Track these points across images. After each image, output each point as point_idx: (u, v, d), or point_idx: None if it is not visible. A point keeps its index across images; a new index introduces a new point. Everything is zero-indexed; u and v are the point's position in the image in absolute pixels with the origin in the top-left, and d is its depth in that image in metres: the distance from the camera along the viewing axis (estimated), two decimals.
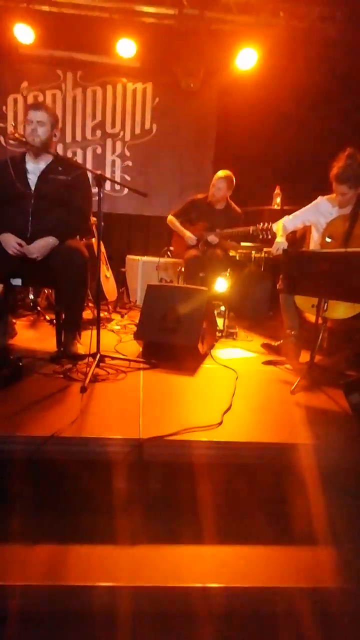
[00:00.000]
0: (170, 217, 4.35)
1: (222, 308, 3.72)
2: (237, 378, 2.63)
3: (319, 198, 3.18)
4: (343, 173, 2.84)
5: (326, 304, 2.64)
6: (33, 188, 2.79)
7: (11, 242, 2.63)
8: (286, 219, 3.28)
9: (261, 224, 3.74)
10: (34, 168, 2.83)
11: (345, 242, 2.84)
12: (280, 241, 3.20)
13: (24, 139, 2.68)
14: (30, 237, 2.72)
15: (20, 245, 2.63)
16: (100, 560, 1.50)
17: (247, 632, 1.43)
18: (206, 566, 1.51)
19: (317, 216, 3.13)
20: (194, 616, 1.42)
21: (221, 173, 4.07)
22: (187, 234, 4.17)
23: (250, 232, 3.82)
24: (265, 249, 4.02)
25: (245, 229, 3.87)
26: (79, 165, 3.24)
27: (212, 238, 4.01)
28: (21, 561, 1.48)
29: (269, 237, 3.73)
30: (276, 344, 3.10)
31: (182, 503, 1.77)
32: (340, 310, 2.69)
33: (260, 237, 3.77)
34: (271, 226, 3.69)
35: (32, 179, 2.80)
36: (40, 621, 1.39)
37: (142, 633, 1.38)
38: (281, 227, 3.26)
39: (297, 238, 3.75)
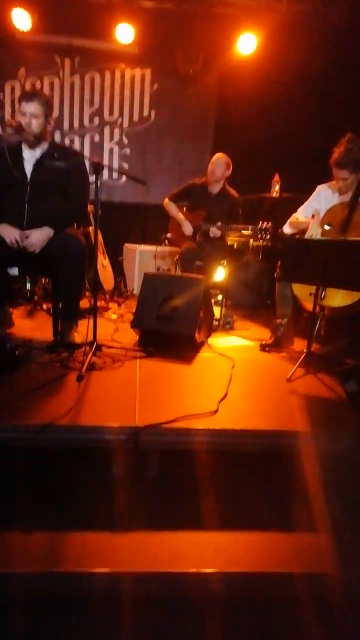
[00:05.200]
0: (166, 201, 4.29)
1: (220, 297, 3.71)
2: (233, 366, 2.63)
3: (319, 187, 3.16)
4: (344, 158, 2.82)
5: (324, 292, 2.64)
6: (29, 176, 2.77)
7: (11, 231, 2.63)
8: (299, 212, 3.22)
9: (260, 222, 3.68)
10: (30, 156, 2.80)
11: (343, 230, 2.83)
12: (316, 228, 2.97)
13: (21, 127, 2.66)
14: (26, 225, 2.71)
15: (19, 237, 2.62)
16: (98, 547, 1.51)
17: (245, 616, 1.45)
18: (204, 552, 1.52)
19: (321, 204, 3.11)
20: (192, 601, 1.44)
21: (219, 154, 4.05)
22: (185, 223, 4.15)
23: (249, 230, 3.79)
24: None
25: (244, 226, 3.84)
26: (76, 151, 3.22)
27: (215, 231, 3.98)
28: (20, 548, 1.50)
29: (268, 236, 3.68)
30: (271, 340, 3.10)
31: (179, 490, 1.79)
32: (338, 298, 2.69)
33: (259, 236, 3.70)
34: (270, 225, 3.65)
35: (28, 167, 2.78)
36: (40, 607, 1.40)
37: (140, 618, 1.40)
38: (301, 217, 3.16)
39: None
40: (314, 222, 3.00)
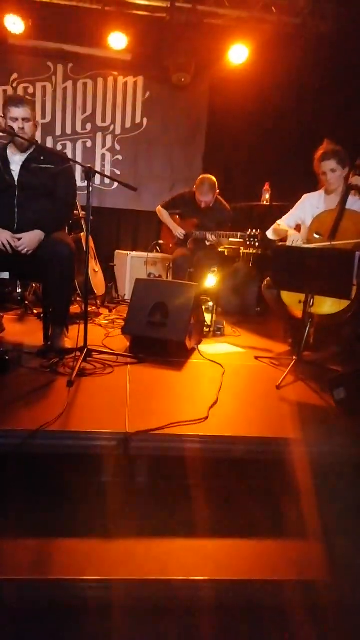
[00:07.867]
0: (159, 208, 4.38)
1: (210, 303, 3.73)
2: (223, 373, 2.64)
3: (305, 195, 3.22)
4: (329, 150, 2.90)
5: (312, 300, 2.66)
6: (16, 179, 2.77)
7: (2, 234, 2.63)
8: (281, 221, 3.28)
9: (249, 230, 3.76)
10: (17, 159, 2.81)
11: (332, 237, 2.85)
12: (296, 235, 3.07)
13: (12, 131, 2.66)
14: (16, 229, 2.71)
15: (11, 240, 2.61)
16: (87, 554, 1.50)
17: (236, 624, 1.44)
18: (194, 559, 1.52)
19: (306, 212, 3.15)
20: (182, 608, 1.43)
21: (203, 178, 4.09)
22: (177, 228, 4.17)
23: (238, 237, 3.85)
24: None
25: (233, 234, 3.91)
26: (62, 154, 3.24)
27: (210, 237, 4.03)
28: (9, 555, 1.48)
29: (257, 243, 3.76)
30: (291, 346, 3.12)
31: (169, 496, 1.78)
32: (327, 306, 2.71)
33: (248, 243, 3.80)
34: (259, 233, 3.71)
35: (15, 170, 2.79)
36: (28, 614, 1.39)
37: (130, 625, 1.39)
38: (283, 225, 3.23)
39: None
40: (294, 232, 3.07)
